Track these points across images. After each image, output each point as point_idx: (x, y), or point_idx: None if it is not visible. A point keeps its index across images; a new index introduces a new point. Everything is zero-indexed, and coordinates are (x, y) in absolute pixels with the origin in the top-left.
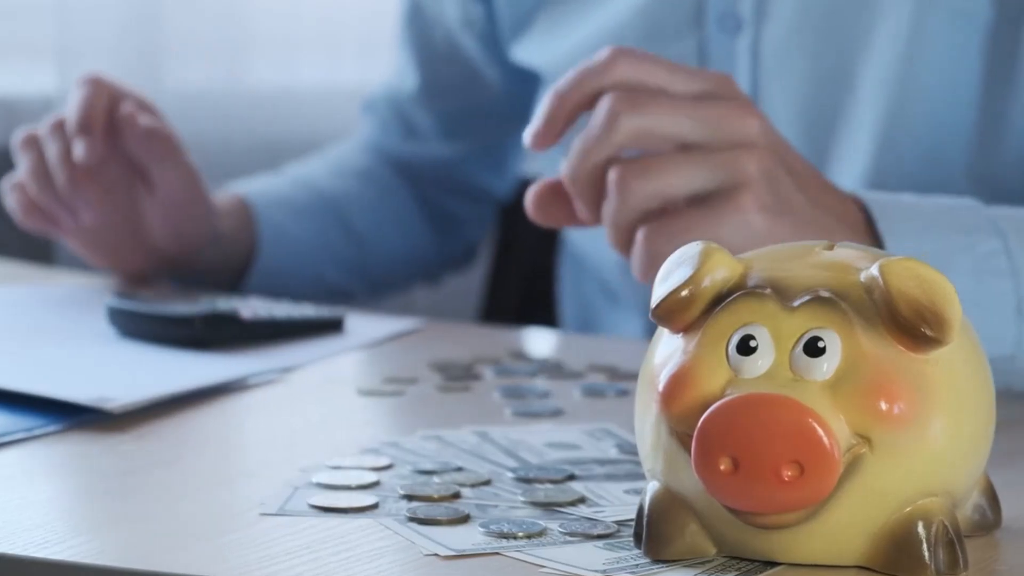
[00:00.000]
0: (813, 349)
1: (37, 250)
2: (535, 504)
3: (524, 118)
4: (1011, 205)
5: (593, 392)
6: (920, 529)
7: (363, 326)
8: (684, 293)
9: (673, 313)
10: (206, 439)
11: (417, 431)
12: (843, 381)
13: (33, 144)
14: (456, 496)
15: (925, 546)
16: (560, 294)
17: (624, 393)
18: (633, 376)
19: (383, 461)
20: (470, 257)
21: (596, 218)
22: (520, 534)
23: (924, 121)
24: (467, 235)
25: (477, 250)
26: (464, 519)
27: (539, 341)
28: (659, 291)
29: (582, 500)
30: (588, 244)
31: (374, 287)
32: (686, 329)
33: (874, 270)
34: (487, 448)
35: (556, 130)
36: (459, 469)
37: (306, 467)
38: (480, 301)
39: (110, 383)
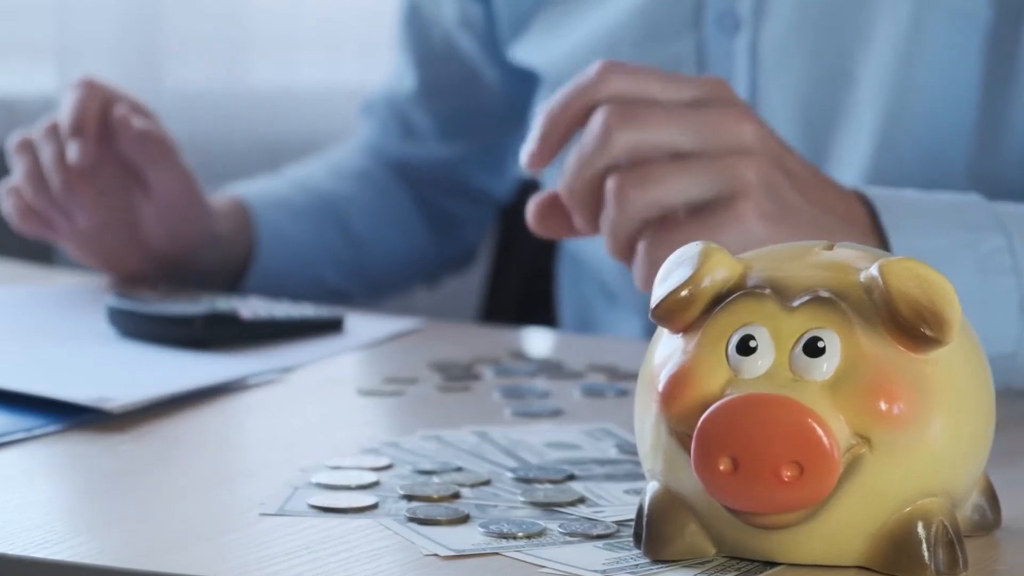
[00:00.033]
0: (813, 349)
1: (37, 250)
2: (535, 504)
3: (523, 118)
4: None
5: (593, 392)
6: (920, 529)
7: (363, 326)
8: (684, 293)
9: (673, 313)
10: (206, 439)
11: (417, 431)
12: (843, 381)
13: (28, 148)
14: (456, 496)
15: (925, 546)
16: (559, 295)
17: (624, 393)
18: (633, 376)
19: (383, 461)
20: (469, 259)
21: (594, 229)
22: (520, 534)
23: (924, 121)
24: (466, 237)
25: (476, 252)
26: (464, 519)
27: (539, 341)
28: (659, 291)
29: (582, 500)
30: (587, 245)
31: (373, 289)
32: (686, 329)
33: (874, 270)
34: (487, 448)
35: (551, 149)
36: (459, 469)
37: (306, 467)
38: (480, 301)
39: (110, 383)
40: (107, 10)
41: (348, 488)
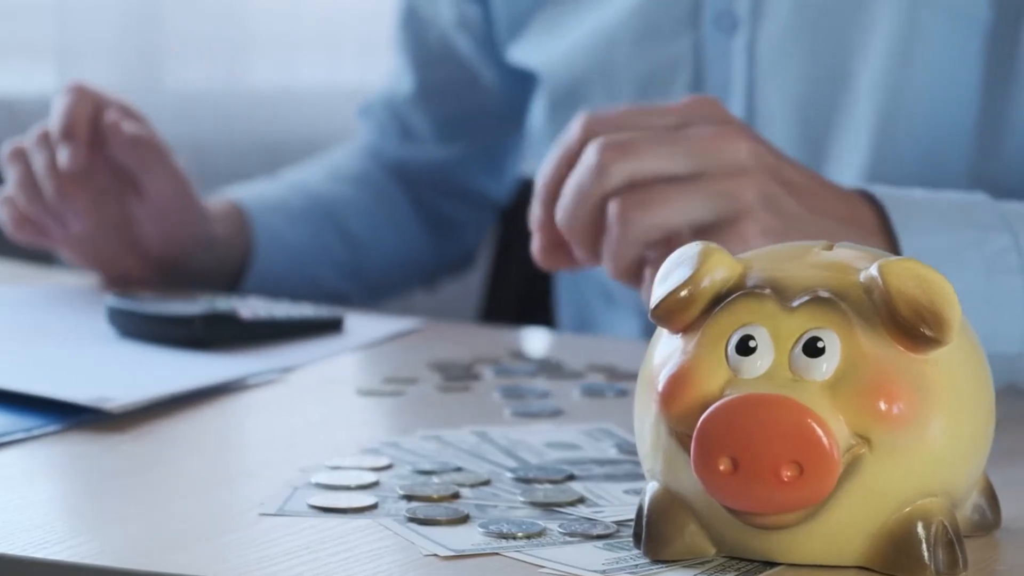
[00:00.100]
0: (812, 349)
1: (37, 250)
2: (534, 504)
3: (521, 120)
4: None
5: (592, 392)
6: (920, 529)
7: (362, 326)
8: (683, 293)
9: (672, 313)
10: (206, 439)
11: (417, 431)
12: (842, 381)
13: (20, 156)
14: (455, 496)
15: (925, 546)
16: (557, 295)
17: (623, 393)
18: (632, 376)
19: (383, 461)
20: (468, 262)
21: (596, 259)
22: (519, 534)
23: (923, 121)
24: (465, 240)
25: (475, 255)
26: (463, 519)
27: (539, 341)
28: (658, 291)
29: (581, 500)
30: None
31: (371, 291)
32: (685, 329)
33: (873, 270)
34: (486, 448)
35: (554, 232)
36: (458, 469)
37: (306, 467)
38: (480, 301)
39: (110, 383)
40: (107, 10)
41: (348, 488)
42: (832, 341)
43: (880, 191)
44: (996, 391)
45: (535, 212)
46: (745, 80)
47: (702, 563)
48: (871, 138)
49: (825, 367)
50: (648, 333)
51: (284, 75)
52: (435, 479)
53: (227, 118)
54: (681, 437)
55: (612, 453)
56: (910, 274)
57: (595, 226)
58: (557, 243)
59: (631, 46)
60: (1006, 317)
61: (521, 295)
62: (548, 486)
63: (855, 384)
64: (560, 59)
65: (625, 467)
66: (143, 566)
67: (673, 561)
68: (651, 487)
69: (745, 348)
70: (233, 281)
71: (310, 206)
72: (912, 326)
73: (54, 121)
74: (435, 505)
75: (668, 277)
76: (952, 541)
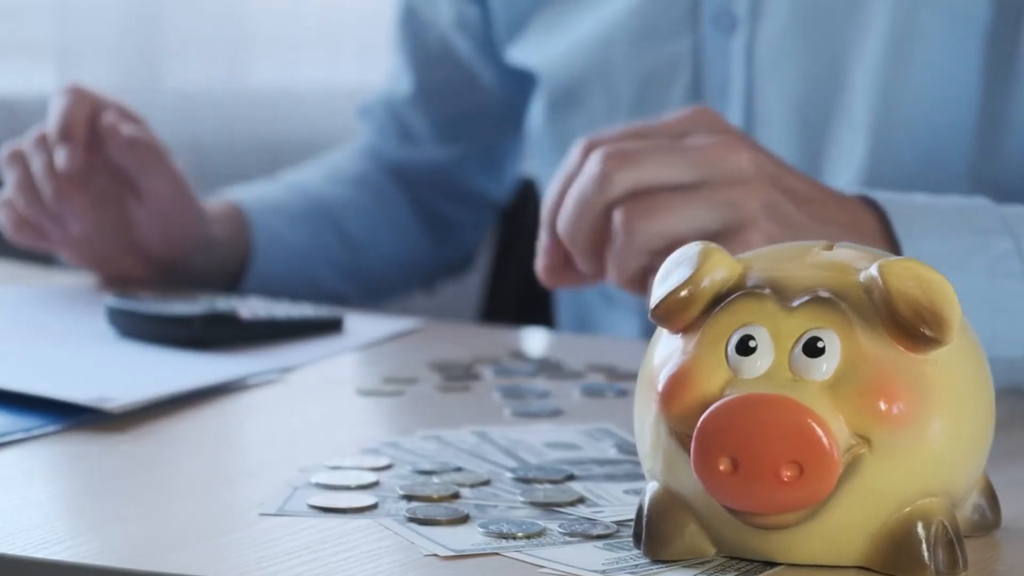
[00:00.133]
0: (812, 349)
1: (37, 251)
2: (534, 504)
3: (520, 120)
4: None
5: (592, 392)
6: (920, 529)
7: (362, 326)
8: (683, 293)
9: (672, 313)
10: (206, 439)
11: (416, 431)
12: (842, 381)
13: (19, 159)
14: (455, 496)
15: (925, 546)
16: (557, 295)
17: (623, 393)
18: (632, 376)
19: (383, 461)
20: (467, 263)
21: (600, 269)
22: (519, 534)
23: (923, 121)
24: (464, 241)
25: (474, 257)
26: (463, 519)
27: (538, 341)
28: (658, 291)
29: (581, 500)
30: None
31: (370, 292)
32: (685, 329)
33: (873, 270)
34: (486, 448)
35: (557, 252)
36: (458, 469)
37: (306, 467)
38: (480, 302)
39: (110, 383)
40: (107, 10)
41: (348, 488)
42: (832, 341)
43: (881, 196)
44: (998, 392)
45: (541, 236)
46: (744, 80)
47: (702, 563)
48: (870, 138)
49: (825, 367)
50: (648, 333)
51: (284, 75)
52: (435, 479)
53: (227, 118)
54: (681, 437)
55: (612, 453)
56: (910, 274)
57: (598, 235)
58: (561, 262)
59: (630, 46)
60: (1008, 321)
61: (521, 295)
62: (548, 486)
63: (855, 384)
64: (559, 59)
65: (625, 467)
66: (143, 566)
67: (673, 561)
68: (651, 487)
69: (745, 348)
70: (232, 282)
71: (309, 207)
72: (912, 326)
73: (51, 122)
74: (435, 505)
75: (668, 277)
76: (952, 541)
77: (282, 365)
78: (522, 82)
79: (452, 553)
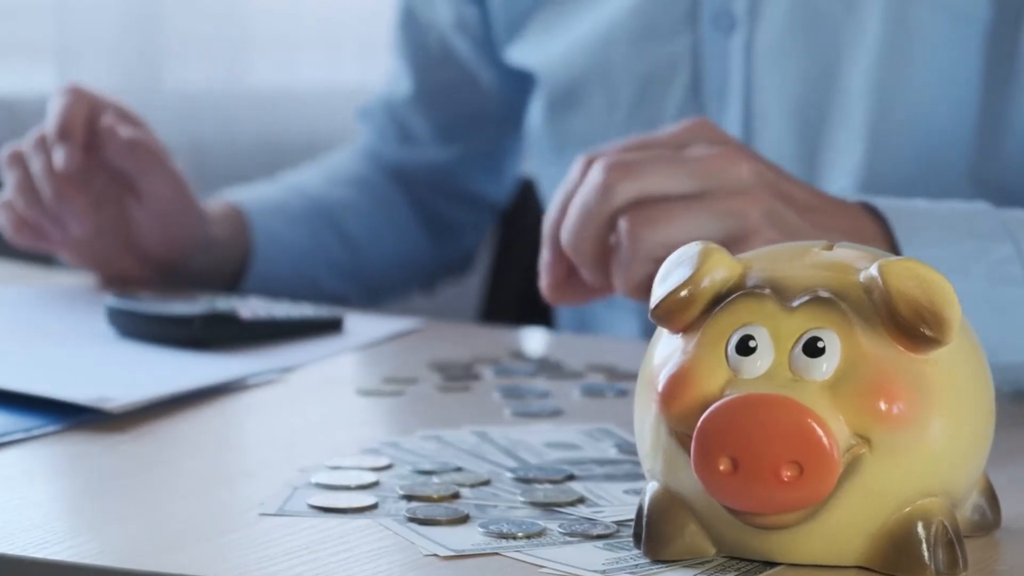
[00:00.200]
0: (812, 349)
1: (37, 251)
2: (534, 504)
3: (519, 121)
4: (1016, 207)
5: (592, 392)
6: (920, 529)
7: (362, 326)
8: (683, 293)
9: (672, 313)
10: (206, 439)
11: (416, 431)
12: (842, 381)
13: (19, 160)
14: (455, 496)
15: (925, 546)
16: None
17: (623, 393)
18: (632, 376)
19: (383, 461)
20: (467, 265)
21: (605, 280)
22: (519, 534)
23: (922, 122)
24: (464, 242)
25: (474, 258)
26: (463, 519)
27: (538, 341)
28: (658, 291)
29: (581, 500)
30: None
31: (370, 293)
32: (685, 329)
33: (873, 270)
34: (486, 448)
35: (561, 269)
36: (458, 469)
37: (306, 467)
38: (479, 302)
39: (110, 383)
40: (107, 10)
41: (348, 488)
42: (832, 341)
43: (882, 203)
44: (998, 393)
45: (542, 254)
46: (743, 80)
47: (702, 563)
48: (868, 138)
49: (825, 367)
50: (648, 333)
51: (284, 75)
52: (435, 479)
53: (227, 118)
54: (681, 437)
55: (612, 453)
56: (910, 274)
57: (602, 245)
58: (564, 278)
59: (629, 46)
60: (1010, 326)
61: (521, 295)
62: (548, 486)
63: (855, 384)
64: (558, 59)
65: (625, 467)
66: (143, 566)
67: (673, 561)
68: (651, 487)
69: (745, 348)
70: (232, 283)
71: (309, 208)
72: (912, 326)
73: (49, 122)
74: (435, 505)
75: (668, 277)
76: (952, 541)
77: (282, 365)
78: (522, 83)
79: (452, 553)
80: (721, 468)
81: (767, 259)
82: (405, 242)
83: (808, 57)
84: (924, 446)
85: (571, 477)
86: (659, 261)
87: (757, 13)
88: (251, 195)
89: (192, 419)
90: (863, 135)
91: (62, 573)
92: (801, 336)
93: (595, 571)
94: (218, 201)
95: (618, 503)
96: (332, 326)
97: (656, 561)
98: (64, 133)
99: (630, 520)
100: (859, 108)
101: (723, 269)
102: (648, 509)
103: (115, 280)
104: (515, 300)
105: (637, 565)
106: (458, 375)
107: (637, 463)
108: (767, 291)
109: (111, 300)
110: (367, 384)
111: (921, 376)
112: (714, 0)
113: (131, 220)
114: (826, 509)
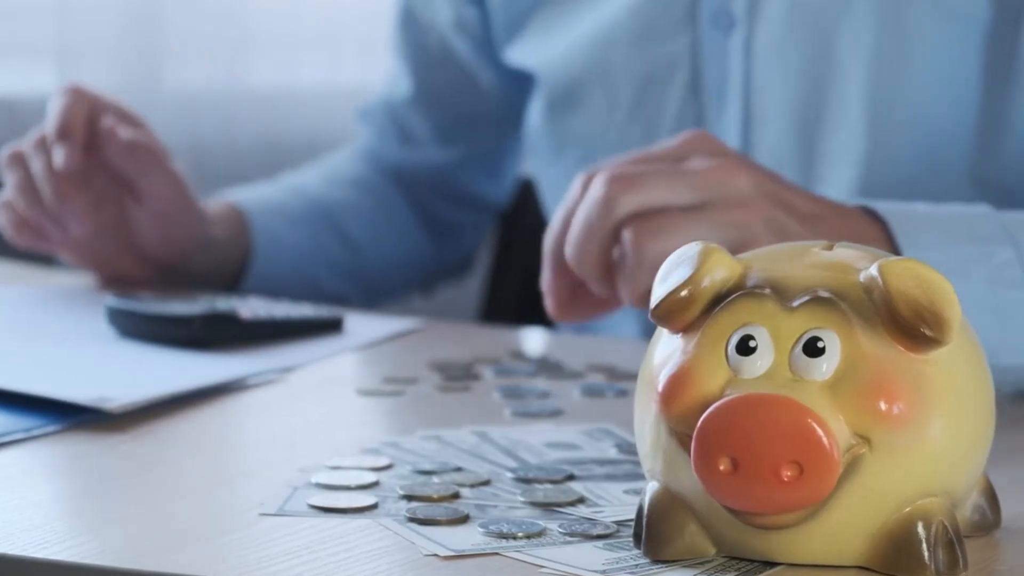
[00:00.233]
0: (812, 349)
1: (37, 251)
2: (534, 504)
3: (519, 122)
4: (1015, 208)
5: (592, 392)
6: (920, 529)
7: (362, 326)
8: (683, 293)
9: (672, 313)
10: (206, 439)
11: (416, 431)
12: (842, 381)
13: (19, 161)
14: (455, 496)
15: (925, 546)
16: None
17: (623, 393)
18: (632, 376)
19: (383, 461)
20: (467, 266)
21: (612, 291)
22: (520, 534)
23: (922, 122)
24: (463, 243)
25: (474, 260)
26: (464, 519)
27: (538, 341)
28: (659, 291)
29: (581, 500)
30: None
31: (369, 294)
32: (685, 329)
33: (873, 270)
34: (486, 448)
35: (564, 287)
36: (458, 469)
37: (306, 467)
38: (479, 302)
39: (110, 383)
40: (107, 10)
41: (348, 488)
42: (832, 341)
43: (882, 207)
44: (998, 393)
45: (544, 274)
46: (742, 79)
47: (702, 563)
48: (867, 137)
49: (825, 367)
50: (648, 333)
51: (284, 75)
52: (435, 479)
53: (227, 118)
54: (681, 437)
55: (612, 453)
56: (910, 274)
57: (606, 258)
58: (568, 296)
59: (629, 46)
60: (1012, 329)
61: (521, 295)
62: (548, 486)
63: (855, 384)
64: (558, 59)
65: (625, 467)
66: (143, 566)
67: (673, 561)
68: (651, 487)
69: (745, 348)
70: (232, 283)
71: (309, 209)
72: (912, 326)
73: (49, 121)
74: (435, 505)
75: (668, 277)
76: (952, 541)
77: (282, 365)
78: (521, 83)
79: (452, 553)
80: (721, 468)
81: (767, 259)
82: (405, 243)
83: (807, 56)
84: (924, 446)
85: (571, 477)
86: None
87: (756, 12)
88: (251, 196)
89: (192, 419)
90: (862, 135)
91: (62, 573)
92: (801, 336)
93: (595, 571)
94: (218, 201)
95: (618, 503)
96: (332, 326)
97: (656, 561)
98: (64, 132)
99: (630, 520)
100: (858, 108)
101: (723, 269)
102: (648, 509)
103: (115, 280)
104: (515, 300)
105: (637, 565)
106: (458, 375)
107: (637, 463)
108: (767, 291)
109: (111, 300)
110: (367, 384)
111: (921, 376)
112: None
113: (131, 220)
114: (826, 509)
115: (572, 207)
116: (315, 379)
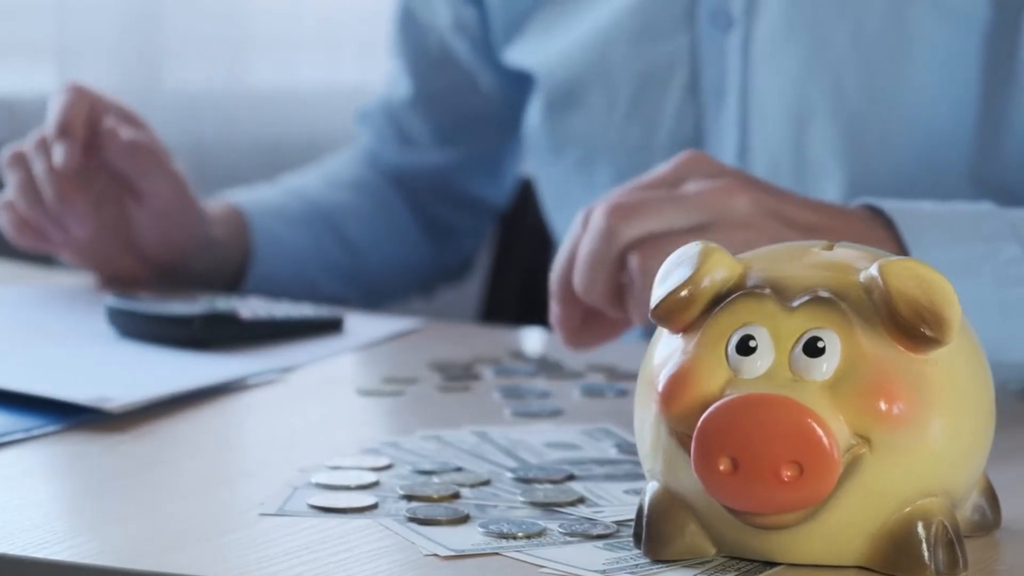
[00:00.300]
0: (812, 349)
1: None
2: (535, 504)
3: (518, 123)
4: (1017, 207)
5: (592, 392)
6: (920, 529)
7: (362, 326)
8: (683, 293)
9: (672, 313)
10: (206, 439)
11: (416, 431)
12: (842, 381)
13: (20, 161)
14: (456, 496)
15: (925, 546)
16: None
17: (623, 393)
18: (632, 376)
19: (383, 461)
20: (466, 269)
21: (624, 314)
22: (520, 534)
23: (922, 121)
24: (463, 246)
25: (473, 262)
26: (464, 519)
27: (538, 341)
28: (659, 291)
29: (581, 500)
30: None
31: (369, 296)
32: (685, 329)
33: (873, 270)
34: (486, 448)
35: (573, 319)
36: (458, 469)
37: (306, 467)
38: (479, 302)
39: (110, 383)
40: (107, 10)
41: (348, 488)
42: (832, 341)
43: (888, 205)
44: (999, 393)
45: (552, 309)
46: (740, 78)
47: (702, 563)
48: (866, 138)
49: (825, 367)
50: (648, 333)
51: (284, 75)
52: (435, 479)
53: (227, 118)
54: (681, 437)
55: (612, 453)
56: (910, 274)
57: (615, 286)
58: (579, 326)
59: (628, 45)
60: (1019, 326)
61: (521, 295)
62: (548, 486)
63: (855, 384)
64: (557, 59)
65: (625, 467)
66: (143, 566)
67: (673, 561)
68: (651, 487)
69: (745, 348)
70: (232, 284)
71: (308, 211)
72: (912, 326)
73: (50, 120)
74: (435, 505)
75: (668, 277)
76: (952, 541)
77: (282, 365)
78: (520, 84)
79: (452, 553)
80: (721, 468)
81: (767, 259)
82: (404, 246)
83: (805, 56)
84: (924, 446)
85: (571, 477)
86: None
87: (754, 12)
88: (251, 197)
89: (192, 419)
90: (861, 135)
91: (62, 573)
92: (801, 336)
93: (595, 571)
94: (218, 202)
95: (618, 503)
96: (332, 326)
97: (656, 561)
98: (64, 130)
99: (630, 520)
100: (857, 107)
101: (723, 269)
102: (648, 509)
103: (115, 280)
104: (515, 300)
105: (637, 565)
106: (458, 375)
107: (637, 463)
108: (767, 291)
109: (111, 300)
110: (367, 384)
111: (921, 376)
112: None
113: (131, 220)
114: (826, 509)
115: (575, 242)
116: (315, 379)
